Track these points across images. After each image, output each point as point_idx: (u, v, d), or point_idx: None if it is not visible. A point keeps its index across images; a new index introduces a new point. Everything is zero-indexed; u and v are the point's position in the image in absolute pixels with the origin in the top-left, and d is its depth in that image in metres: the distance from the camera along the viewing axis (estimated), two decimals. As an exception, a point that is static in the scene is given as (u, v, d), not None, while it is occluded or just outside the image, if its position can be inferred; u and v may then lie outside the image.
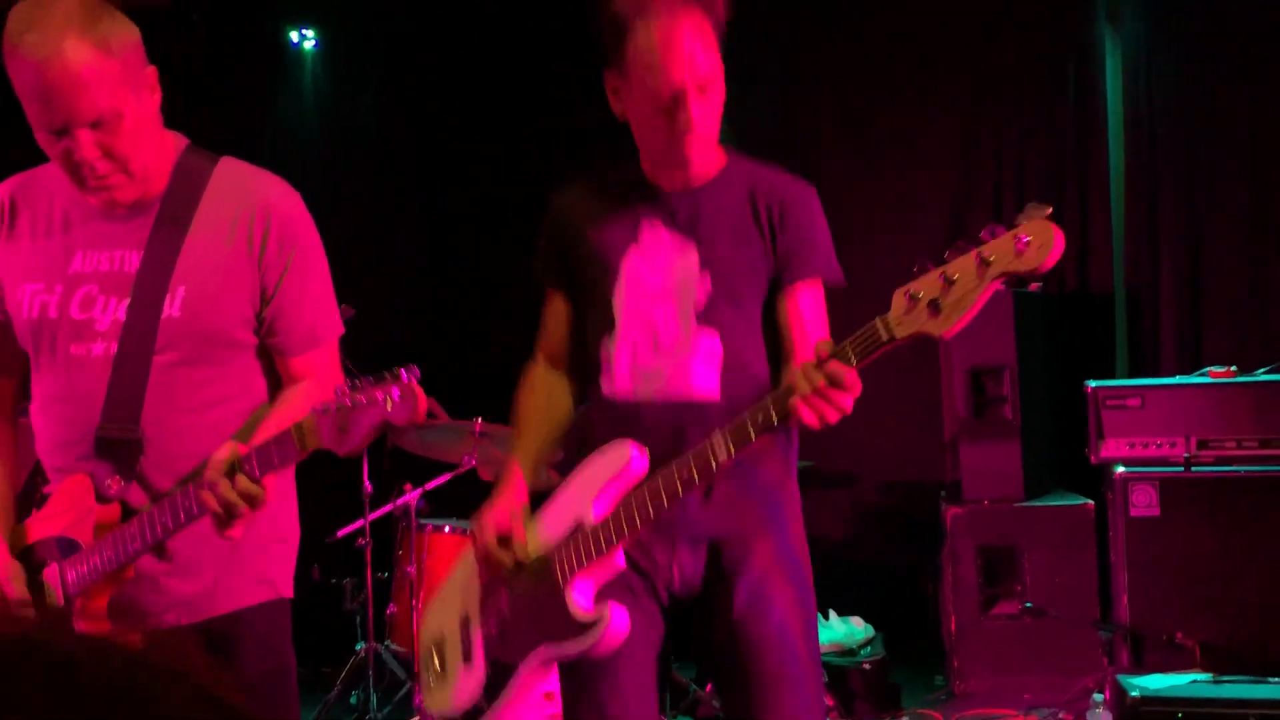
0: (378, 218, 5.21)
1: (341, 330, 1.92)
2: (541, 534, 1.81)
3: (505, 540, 1.81)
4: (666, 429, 1.76)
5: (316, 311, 1.85)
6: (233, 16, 4.96)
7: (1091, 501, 3.97)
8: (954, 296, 1.47)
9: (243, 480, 1.62)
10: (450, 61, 5.09)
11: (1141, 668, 3.60)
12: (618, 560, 1.75)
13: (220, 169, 1.81)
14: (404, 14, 4.99)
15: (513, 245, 5.15)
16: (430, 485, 3.84)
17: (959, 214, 4.83)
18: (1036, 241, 1.42)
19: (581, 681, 1.81)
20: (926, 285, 1.49)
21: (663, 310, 1.82)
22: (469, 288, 5.14)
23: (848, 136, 4.83)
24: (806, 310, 1.82)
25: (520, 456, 1.92)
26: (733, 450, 1.64)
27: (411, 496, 3.79)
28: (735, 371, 1.79)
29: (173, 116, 1.87)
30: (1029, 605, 3.88)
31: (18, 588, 1.73)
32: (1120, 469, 3.80)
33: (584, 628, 1.72)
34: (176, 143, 1.82)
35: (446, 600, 1.98)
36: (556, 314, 1.98)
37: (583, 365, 1.91)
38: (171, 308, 1.73)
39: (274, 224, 1.78)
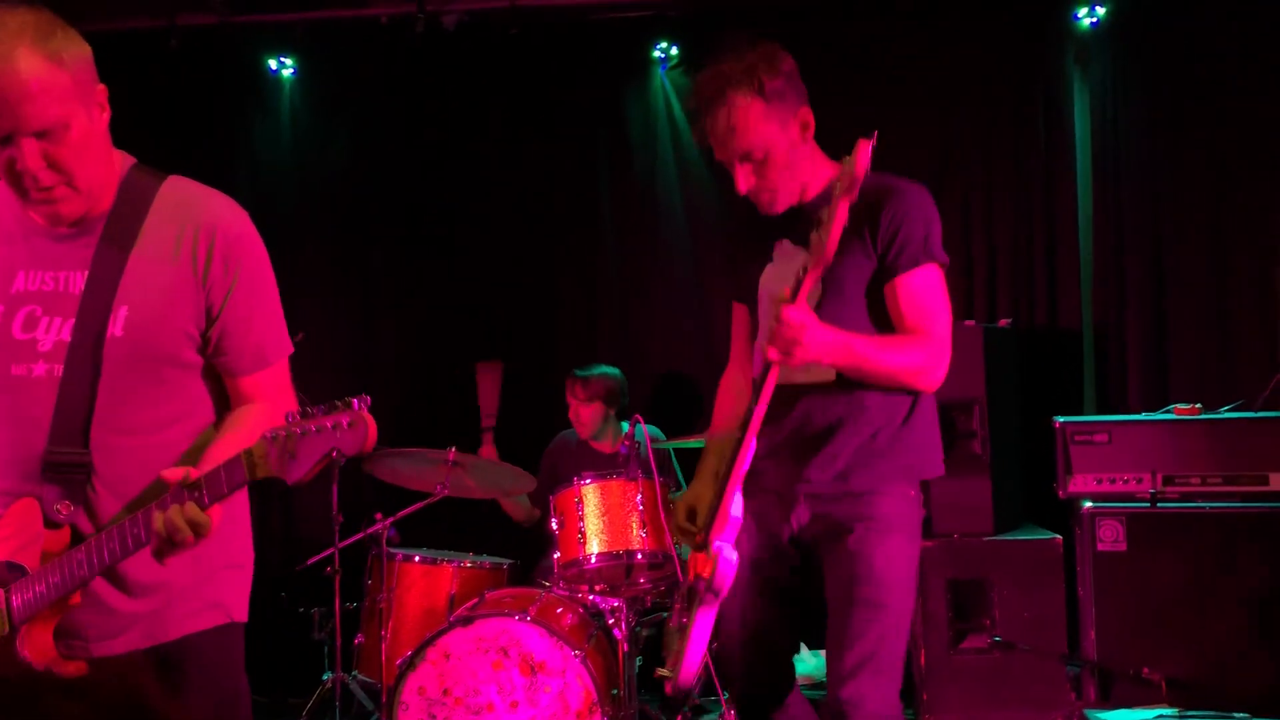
0: (351, 245, 5.21)
1: (291, 350, 1.90)
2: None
3: (692, 517, 2.28)
4: (795, 410, 2.24)
5: (265, 332, 1.84)
6: (212, 43, 4.97)
7: (1060, 536, 4.00)
8: (824, 223, 2.01)
9: (191, 507, 1.61)
10: (427, 92, 5.12)
11: (1108, 702, 3.62)
12: (734, 512, 2.17)
13: (166, 187, 1.80)
14: (382, 44, 5.02)
15: (486, 272, 5.19)
16: (401, 514, 3.83)
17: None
18: (851, 158, 1.97)
19: (721, 643, 2.34)
20: (818, 228, 2.02)
21: None
22: (443, 315, 5.14)
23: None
24: (904, 303, 2.21)
25: (712, 449, 2.38)
26: (753, 410, 2.12)
27: (382, 525, 3.77)
28: None
29: (150, 141, 1.87)
30: (998, 639, 3.90)
31: None
32: (1088, 504, 3.84)
33: (709, 566, 2.17)
34: (124, 161, 1.81)
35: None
36: (741, 323, 2.47)
37: None
38: (114, 328, 1.72)
39: (218, 243, 1.77)
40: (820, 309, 2.17)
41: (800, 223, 2.24)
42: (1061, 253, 4.79)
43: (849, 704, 2.14)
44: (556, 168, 5.14)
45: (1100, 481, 3.85)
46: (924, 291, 2.22)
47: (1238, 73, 4.57)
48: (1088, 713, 3.40)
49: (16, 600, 1.71)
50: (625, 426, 3.77)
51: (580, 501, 3.57)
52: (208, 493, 1.62)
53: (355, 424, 1.53)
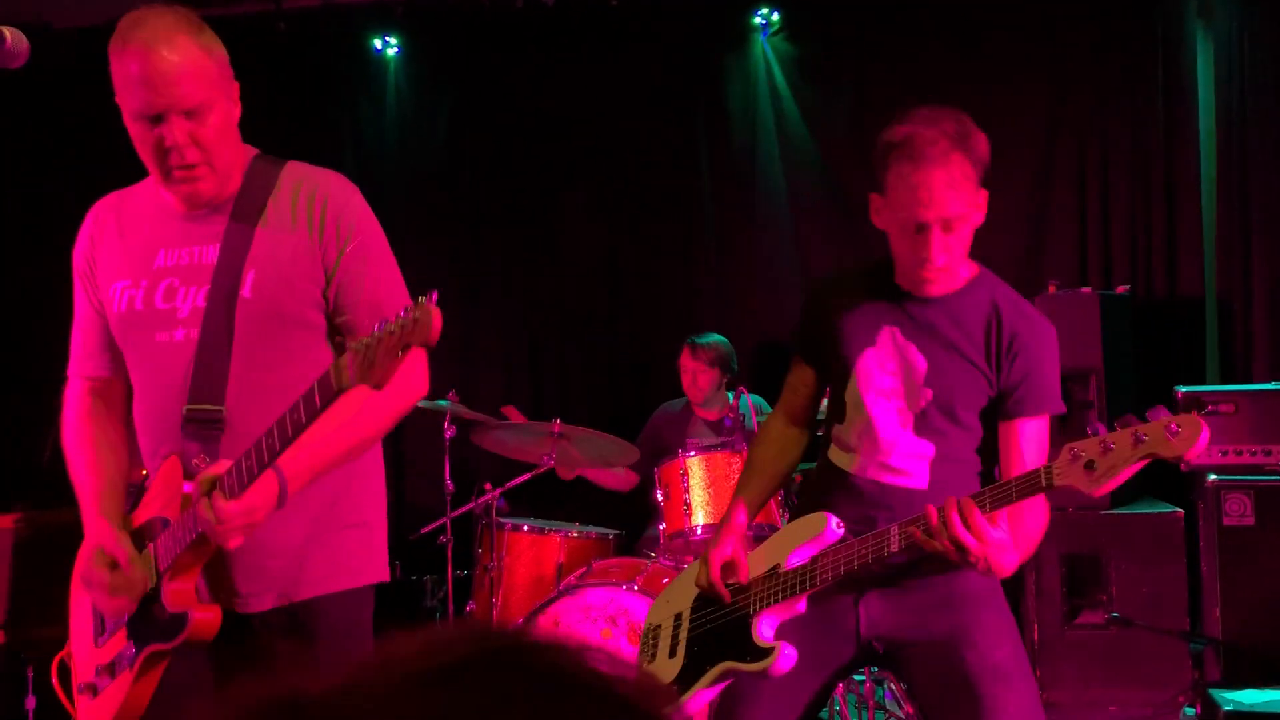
0: (454, 221, 5.29)
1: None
2: (744, 575, 2.08)
3: (729, 569, 2.07)
4: (879, 506, 2.03)
5: (378, 289, 1.91)
6: (318, 24, 5.08)
7: (1181, 510, 3.86)
8: (1108, 463, 1.72)
9: (218, 498, 1.71)
10: (527, 67, 5.15)
11: (1234, 682, 3.50)
12: (799, 606, 2.01)
13: (286, 170, 1.94)
14: (485, 20, 5.06)
15: (587, 246, 5.22)
16: (510, 485, 3.89)
17: (1039, 216, 4.73)
18: (1186, 433, 1.66)
19: (737, 690, 2.09)
20: (1088, 447, 1.74)
21: (884, 409, 2.05)
22: (542, 293, 5.19)
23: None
24: (1025, 445, 2.01)
25: (744, 496, 2.18)
26: (900, 546, 1.89)
27: (492, 495, 3.85)
28: (942, 470, 2.02)
29: (258, 122, 1.97)
30: (1115, 615, 3.79)
31: (136, 567, 1.82)
32: (1212, 477, 3.70)
33: (761, 654, 1.99)
34: (247, 152, 1.96)
35: (670, 596, 2.24)
36: (802, 382, 2.23)
37: (814, 426, 2.22)
38: (244, 290, 1.84)
39: (330, 208, 1.89)
40: (926, 419, 2.02)
41: (922, 316, 2.03)
42: (1182, 217, 4.59)
43: None
44: (656, 139, 5.12)
45: (1226, 454, 3.71)
46: (1041, 438, 2.02)
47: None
48: (1212, 692, 3.29)
49: (161, 549, 1.83)
50: (730, 396, 3.77)
51: (685, 473, 3.58)
52: (242, 478, 1.70)
53: (420, 317, 1.53)
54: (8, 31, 1.67)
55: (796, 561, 1.98)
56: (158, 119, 1.78)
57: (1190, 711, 3.51)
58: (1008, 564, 1.83)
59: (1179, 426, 1.65)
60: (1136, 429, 1.68)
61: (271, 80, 5.09)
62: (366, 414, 1.83)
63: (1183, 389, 3.83)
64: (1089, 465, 1.72)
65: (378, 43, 5.27)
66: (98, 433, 1.95)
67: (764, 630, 1.99)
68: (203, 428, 1.82)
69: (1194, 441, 1.65)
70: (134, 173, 1.96)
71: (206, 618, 1.80)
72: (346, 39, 5.25)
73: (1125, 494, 4.02)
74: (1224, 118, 4.53)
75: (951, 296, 2.03)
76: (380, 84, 5.34)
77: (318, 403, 1.65)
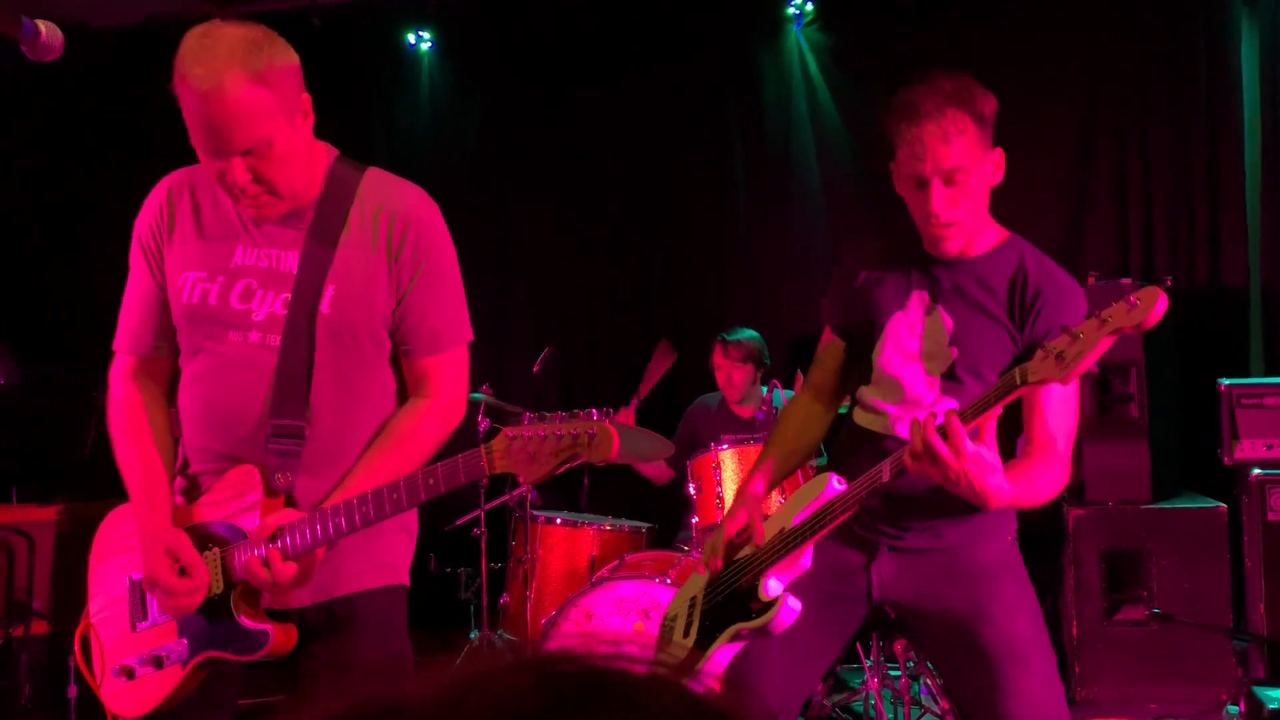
0: (488, 215, 5.30)
1: (469, 338, 1.97)
2: (760, 538, 2.11)
3: (744, 535, 2.09)
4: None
5: (441, 317, 1.92)
6: (352, 19, 5.10)
7: (1224, 505, 3.80)
8: (1076, 349, 1.72)
9: (277, 559, 1.74)
10: (560, 57, 5.14)
11: (1279, 680, 3.43)
12: (805, 560, 2.03)
13: (367, 178, 1.92)
14: (517, 11, 5.06)
15: (618, 237, 5.21)
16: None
17: (1079, 205, 4.66)
18: (1144, 303, 1.67)
19: (749, 654, 2.10)
20: (1059, 342, 1.74)
21: (911, 370, 2.08)
22: (576, 282, 5.19)
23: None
24: (1047, 405, 1.99)
25: (763, 466, 2.19)
26: (890, 476, 1.89)
27: (525, 488, 3.85)
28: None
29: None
30: (1156, 611, 3.73)
31: (200, 572, 1.81)
32: (1257, 471, 3.63)
33: (766, 608, 2.01)
34: (328, 154, 1.92)
35: (687, 587, 2.25)
36: (832, 353, 2.24)
37: (838, 403, 2.23)
38: (324, 305, 1.83)
39: (411, 230, 1.88)
40: (953, 379, 2.03)
41: (949, 279, 2.06)
42: (1225, 206, 4.51)
43: None
44: (689, 131, 5.10)
45: (1270, 447, 3.64)
46: (1064, 398, 1.99)
47: None
48: (1257, 690, 3.23)
49: (236, 561, 1.81)
50: (765, 390, 3.75)
51: (718, 466, 3.57)
52: (314, 535, 1.74)
53: (599, 436, 1.59)
54: (43, 25, 1.66)
55: (800, 520, 2.02)
56: (217, 154, 1.75)
57: (1234, 710, 3.45)
58: (991, 485, 1.77)
59: (1138, 299, 1.67)
60: (1100, 313, 1.70)
61: (305, 74, 5.11)
62: (423, 441, 1.88)
63: (1226, 381, 3.76)
64: (1059, 356, 1.72)
65: (411, 37, 5.28)
66: (148, 422, 1.93)
67: (770, 587, 2.01)
68: (284, 441, 1.81)
69: (1152, 307, 1.65)
70: (172, 169, 1.95)
71: (287, 639, 1.81)
72: (380, 34, 5.27)
73: (1167, 489, 3.96)
74: (1269, 105, 4.44)
75: (980, 258, 2.06)
76: (413, 78, 5.36)
77: (461, 479, 1.68)
